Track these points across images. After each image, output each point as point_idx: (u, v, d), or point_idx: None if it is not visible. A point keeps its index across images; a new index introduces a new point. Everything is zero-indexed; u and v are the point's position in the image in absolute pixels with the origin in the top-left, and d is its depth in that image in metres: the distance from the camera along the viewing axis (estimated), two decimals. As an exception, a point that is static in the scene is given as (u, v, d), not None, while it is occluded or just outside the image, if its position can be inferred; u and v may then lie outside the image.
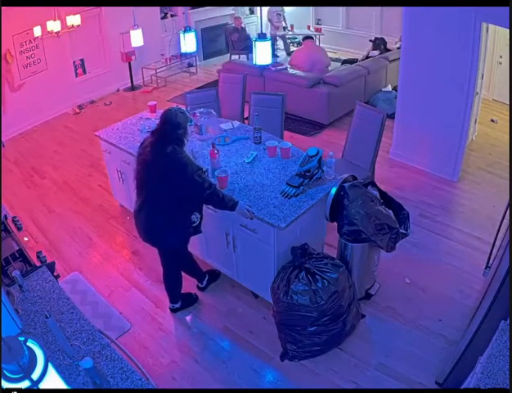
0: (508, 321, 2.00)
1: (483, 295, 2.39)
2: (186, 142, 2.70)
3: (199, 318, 3.28)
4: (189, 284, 3.38)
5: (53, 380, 1.19)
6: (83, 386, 1.78)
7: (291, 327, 2.79)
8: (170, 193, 2.63)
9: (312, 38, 7.50)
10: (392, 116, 5.10)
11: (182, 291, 3.27)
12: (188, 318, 3.31)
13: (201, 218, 2.92)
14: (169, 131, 2.62)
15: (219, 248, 3.30)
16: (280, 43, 9.23)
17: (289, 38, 9.34)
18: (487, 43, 4.87)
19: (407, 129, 4.91)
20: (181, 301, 3.29)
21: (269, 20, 9.07)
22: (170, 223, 2.75)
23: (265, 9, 9.48)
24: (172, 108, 2.75)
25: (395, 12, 7.65)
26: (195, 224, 2.86)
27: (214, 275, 3.52)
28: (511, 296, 1.94)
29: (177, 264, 3.13)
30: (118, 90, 7.82)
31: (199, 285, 3.44)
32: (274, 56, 9.23)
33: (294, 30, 9.27)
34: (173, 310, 3.29)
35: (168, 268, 3.12)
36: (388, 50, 7.56)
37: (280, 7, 8.87)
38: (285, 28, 9.10)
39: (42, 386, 1.14)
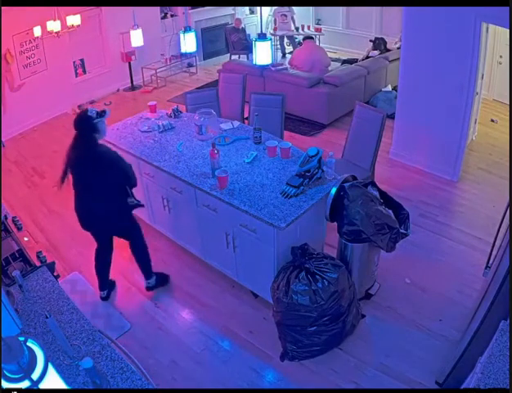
0: (508, 321, 2.00)
1: (483, 295, 2.39)
2: (99, 137, 2.99)
3: (199, 318, 3.28)
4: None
5: (53, 380, 1.19)
6: (83, 386, 1.78)
7: (291, 327, 2.79)
8: (102, 184, 2.96)
9: (312, 38, 7.50)
10: (392, 116, 5.10)
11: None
12: (188, 317, 3.31)
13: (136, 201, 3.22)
14: (80, 134, 2.99)
15: (219, 248, 3.30)
16: (279, 43, 9.21)
17: (287, 41, 9.34)
18: (487, 43, 4.87)
19: (407, 129, 4.91)
20: (156, 279, 3.45)
21: (275, 20, 9.08)
22: (110, 211, 3.05)
23: (265, 9, 9.50)
24: (78, 114, 3.10)
25: (395, 12, 7.65)
26: (132, 203, 3.17)
27: (163, 279, 3.54)
28: (511, 296, 1.94)
29: (135, 235, 3.30)
30: (118, 90, 7.82)
31: (146, 284, 3.46)
32: (283, 55, 9.27)
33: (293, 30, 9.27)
34: (149, 288, 3.44)
35: (131, 241, 3.32)
36: (388, 50, 7.56)
37: (287, 8, 8.86)
38: (297, 28, 9.09)
39: (42, 386, 1.14)
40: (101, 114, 2.99)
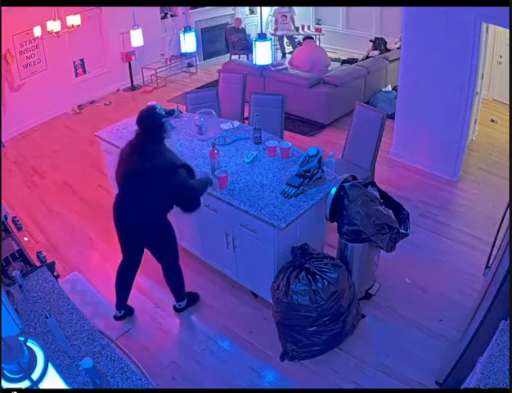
0: (508, 321, 2.00)
1: (483, 295, 2.39)
2: (166, 137, 2.78)
3: (199, 318, 3.28)
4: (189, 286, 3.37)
5: (53, 380, 1.19)
6: (83, 386, 1.78)
7: (291, 327, 2.79)
8: (152, 193, 2.70)
9: (312, 38, 7.50)
10: (392, 116, 5.10)
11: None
12: (188, 318, 3.31)
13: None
14: (146, 133, 2.70)
15: (219, 248, 3.30)
16: (278, 43, 9.22)
17: (287, 41, 9.34)
18: (487, 43, 4.87)
19: (407, 129, 4.91)
20: (187, 298, 3.28)
21: (275, 20, 9.08)
22: (149, 219, 2.81)
23: (265, 9, 9.49)
24: (144, 110, 2.77)
25: (395, 12, 7.65)
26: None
27: (193, 299, 3.37)
28: (511, 296, 1.94)
29: (172, 257, 3.09)
30: (118, 90, 7.82)
31: (177, 305, 3.30)
32: (283, 55, 9.27)
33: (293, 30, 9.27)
34: (179, 310, 3.28)
35: (165, 263, 3.11)
36: (388, 50, 7.56)
37: (287, 9, 8.86)
38: (297, 28, 9.09)
39: (42, 386, 1.14)
40: (170, 112, 2.78)
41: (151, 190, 2.67)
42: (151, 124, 2.68)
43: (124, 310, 3.21)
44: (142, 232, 2.86)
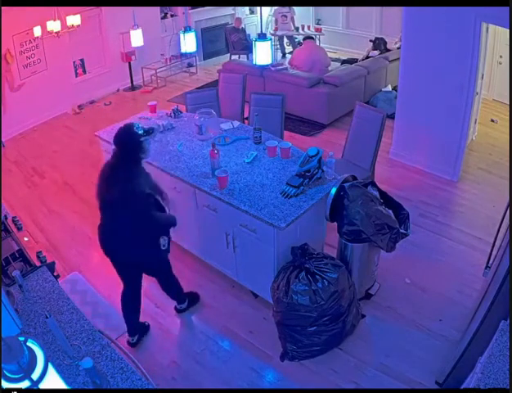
0: (508, 321, 2.00)
1: (483, 295, 2.39)
2: (144, 157, 2.66)
3: (199, 318, 3.28)
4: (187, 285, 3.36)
5: (53, 380, 1.19)
6: (83, 386, 1.78)
7: (291, 327, 2.79)
8: (128, 219, 2.57)
9: (312, 38, 7.50)
10: (392, 116, 5.10)
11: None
12: (188, 318, 3.31)
13: (169, 240, 2.85)
14: (123, 154, 2.58)
15: (219, 248, 3.30)
16: (278, 43, 9.22)
17: (287, 41, 9.35)
18: (487, 43, 4.87)
19: (407, 129, 4.91)
20: (188, 299, 3.28)
21: (275, 20, 9.09)
22: (136, 245, 2.65)
23: (265, 9, 9.49)
24: (122, 128, 2.64)
25: (395, 12, 7.65)
26: (164, 248, 2.78)
27: (194, 299, 3.34)
28: (511, 296, 1.94)
29: (165, 272, 3.02)
30: (118, 90, 7.82)
31: (178, 307, 3.28)
32: (283, 55, 9.27)
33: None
34: (180, 311, 3.28)
35: (160, 277, 3.08)
36: (388, 50, 7.56)
37: (287, 9, 8.86)
38: (297, 28, 9.10)
39: (42, 386, 1.14)
40: (149, 131, 2.64)
41: (124, 217, 2.57)
42: (128, 144, 2.56)
43: (138, 333, 3.05)
44: (131, 261, 2.77)
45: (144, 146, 2.60)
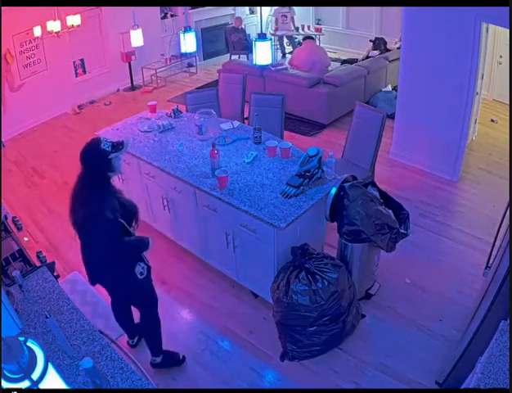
0: (508, 321, 2.00)
1: (483, 295, 2.39)
2: (113, 175, 2.44)
3: (199, 318, 3.28)
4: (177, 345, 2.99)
5: (53, 380, 1.19)
6: (83, 386, 1.78)
7: (291, 327, 2.79)
8: (93, 245, 2.39)
9: (312, 38, 7.50)
10: (392, 116, 5.10)
11: (172, 349, 2.91)
12: (188, 317, 3.31)
13: (148, 268, 2.59)
14: (88, 172, 2.36)
15: (219, 248, 3.30)
16: (278, 43, 9.22)
17: (287, 41, 9.35)
18: (487, 43, 4.87)
19: (407, 129, 4.91)
20: (164, 357, 2.84)
21: (275, 20, 9.09)
22: (110, 272, 2.47)
23: (265, 9, 9.49)
24: (87, 144, 2.38)
25: (395, 12, 7.65)
26: (142, 276, 2.52)
27: (174, 360, 2.90)
28: (511, 296, 1.94)
29: (146, 303, 2.72)
30: (118, 90, 7.82)
31: (151, 360, 2.85)
32: (283, 55, 9.27)
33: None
34: (154, 365, 2.84)
35: (141, 309, 2.78)
36: (388, 50, 7.56)
37: (287, 9, 8.86)
38: (297, 28, 9.10)
39: (42, 386, 1.14)
40: (118, 147, 2.35)
41: (90, 243, 2.39)
42: (94, 163, 2.32)
43: (137, 335, 3.02)
44: (107, 287, 2.64)
45: (112, 163, 2.34)
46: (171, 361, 2.88)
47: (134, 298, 2.69)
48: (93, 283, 2.62)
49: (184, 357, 2.92)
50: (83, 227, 2.35)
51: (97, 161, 2.32)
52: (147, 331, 2.82)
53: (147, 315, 2.75)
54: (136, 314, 2.91)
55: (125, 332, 3.00)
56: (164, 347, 2.86)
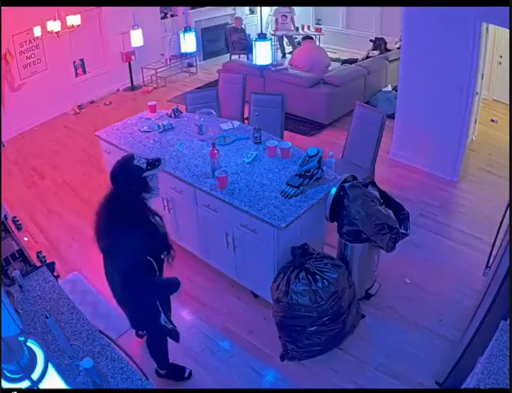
0: (508, 321, 2.00)
1: (483, 295, 2.39)
2: (149, 197, 2.18)
3: (199, 318, 3.28)
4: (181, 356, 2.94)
5: (53, 380, 1.19)
6: (83, 386, 1.78)
7: (291, 327, 2.79)
8: (118, 277, 2.18)
9: (311, 38, 7.51)
10: (392, 116, 5.10)
11: (177, 362, 2.85)
12: (188, 317, 3.31)
13: (173, 327, 2.49)
14: (119, 196, 2.08)
15: (219, 248, 3.30)
16: (278, 43, 9.22)
17: (287, 41, 9.35)
18: (487, 43, 4.87)
19: (407, 129, 4.91)
20: (168, 371, 2.80)
21: (276, 20, 9.09)
22: (131, 305, 2.38)
23: (265, 9, 9.49)
24: (118, 162, 2.13)
25: (395, 12, 7.64)
26: (166, 325, 2.43)
27: (179, 374, 2.82)
28: (511, 296, 1.94)
29: (152, 337, 2.68)
30: (118, 90, 7.82)
31: (156, 370, 2.81)
32: (283, 55, 9.28)
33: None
34: (158, 374, 2.81)
35: (148, 339, 2.73)
36: (388, 50, 7.57)
37: (287, 9, 8.87)
38: (297, 28, 9.10)
39: (42, 386, 1.14)
40: (154, 163, 2.09)
41: (115, 272, 2.21)
42: (127, 183, 2.06)
43: (168, 369, 2.87)
44: (126, 312, 2.53)
45: (149, 183, 2.09)
46: (176, 375, 2.81)
47: (148, 324, 2.55)
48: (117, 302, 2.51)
49: (191, 372, 2.82)
50: (113, 253, 2.15)
51: (130, 180, 2.05)
52: (152, 347, 2.72)
53: (156, 335, 2.65)
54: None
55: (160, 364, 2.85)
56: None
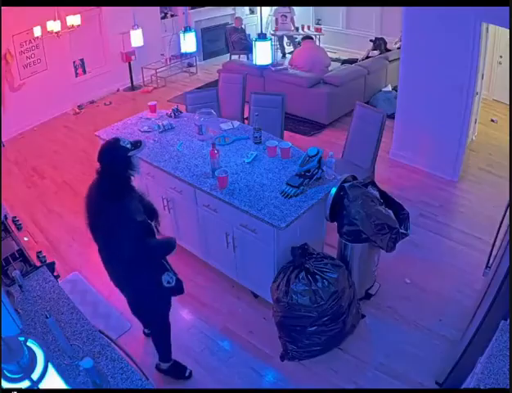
0: (508, 321, 2.00)
1: (483, 295, 2.39)
2: (133, 174, 2.37)
3: (199, 318, 3.28)
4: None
5: (53, 380, 1.19)
6: (83, 386, 1.78)
7: (291, 327, 2.79)
8: (120, 252, 2.29)
9: (311, 38, 7.50)
10: (392, 116, 5.10)
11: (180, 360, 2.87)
12: (188, 317, 3.31)
13: (177, 278, 2.58)
14: (109, 172, 2.27)
15: (219, 248, 3.30)
16: (278, 43, 9.22)
17: (287, 41, 9.35)
18: (487, 43, 4.87)
19: (407, 129, 4.91)
20: (170, 366, 2.83)
21: (276, 20, 9.09)
22: (134, 285, 2.46)
23: (265, 9, 9.49)
24: (106, 143, 2.35)
25: (395, 12, 7.64)
26: (169, 285, 2.51)
27: (180, 372, 2.84)
28: (511, 296, 1.94)
29: (156, 322, 2.74)
30: (118, 90, 7.82)
31: (158, 364, 2.85)
32: (283, 55, 9.28)
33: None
34: (159, 369, 2.85)
35: (152, 327, 2.82)
36: (388, 50, 7.56)
37: (287, 9, 8.87)
38: (297, 28, 9.10)
39: (42, 386, 1.14)
40: (137, 144, 2.33)
41: (116, 249, 2.31)
42: (115, 162, 2.26)
43: (170, 365, 2.89)
44: (128, 292, 2.61)
45: (133, 161, 2.31)
46: (177, 373, 2.83)
47: (150, 304, 2.59)
48: (115, 285, 2.61)
49: (191, 372, 2.84)
50: (110, 228, 2.26)
51: (118, 159, 2.27)
52: (157, 337, 2.79)
53: (159, 322, 2.72)
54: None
55: (140, 321, 2.94)
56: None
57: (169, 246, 2.52)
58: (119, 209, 2.25)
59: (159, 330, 2.76)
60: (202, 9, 8.66)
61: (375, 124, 3.78)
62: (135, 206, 2.35)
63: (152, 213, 2.62)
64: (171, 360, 2.83)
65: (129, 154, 2.28)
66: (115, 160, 2.27)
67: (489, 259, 2.57)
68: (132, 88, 7.85)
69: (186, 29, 4.18)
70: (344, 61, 8.04)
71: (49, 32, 6.17)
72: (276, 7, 9.06)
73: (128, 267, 2.36)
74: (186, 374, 2.82)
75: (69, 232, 4.26)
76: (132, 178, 2.39)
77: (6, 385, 1.10)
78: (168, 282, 2.50)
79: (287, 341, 2.85)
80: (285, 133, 4.66)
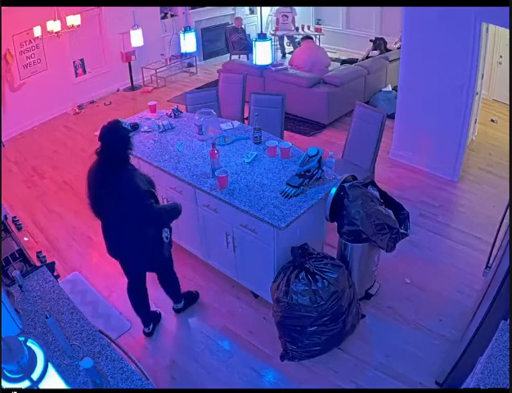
0: (508, 321, 2.00)
1: (483, 295, 2.39)
2: (130, 153, 2.61)
3: (199, 318, 3.28)
4: (186, 284, 3.36)
5: (53, 380, 1.19)
6: (83, 386, 1.78)
7: (291, 327, 2.79)
8: (126, 219, 2.54)
9: (311, 38, 7.50)
10: (392, 116, 5.10)
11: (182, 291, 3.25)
12: (188, 317, 3.31)
13: (170, 231, 2.85)
14: (108, 153, 2.49)
15: (219, 248, 3.30)
16: (278, 43, 9.22)
17: (287, 41, 9.35)
18: (487, 43, 4.87)
19: (407, 129, 4.91)
20: (184, 300, 3.27)
21: (276, 20, 9.09)
22: (141, 245, 2.67)
23: (265, 9, 9.49)
24: (107, 125, 2.57)
25: (395, 12, 7.65)
26: (168, 239, 2.81)
27: (192, 298, 3.35)
28: (511, 296, 1.94)
29: (167, 268, 3.02)
30: (118, 90, 7.82)
31: (175, 307, 3.29)
32: (283, 55, 9.27)
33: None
34: (177, 311, 3.28)
35: (161, 272, 3.05)
36: (388, 50, 7.56)
37: (289, 9, 8.87)
38: (297, 28, 9.10)
39: (42, 386, 1.14)
40: (135, 126, 2.67)
41: (127, 221, 2.54)
42: (118, 142, 2.49)
43: (152, 323, 3.14)
44: (141, 266, 2.86)
45: (132, 141, 2.57)
46: (190, 301, 3.31)
47: (158, 264, 2.91)
48: (114, 256, 2.81)
49: (197, 292, 3.39)
50: (120, 194, 2.47)
51: (119, 139, 2.49)
52: (168, 285, 3.13)
53: (167, 274, 3.06)
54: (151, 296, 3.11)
55: (141, 318, 3.08)
56: (165, 345, 2.87)
57: (175, 210, 2.78)
58: (127, 175, 2.51)
59: (169, 275, 3.07)
60: (202, 9, 8.66)
61: (375, 124, 3.78)
62: (139, 176, 2.62)
63: (151, 184, 2.82)
64: (182, 298, 3.24)
65: (129, 135, 2.52)
66: (117, 140, 2.49)
67: (489, 259, 2.57)
68: (132, 87, 7.85)
69: (186, 29, 4.18)
70: (344, 61, 8.04)
71: (49, 32, 6.18)
72: (277, 7, 9.06)
73: (137, 228, 2.57)
74: (195, 294, 3.36)
75: (69, 232, 4.26)
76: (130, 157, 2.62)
77: (6, 385, 1.10)
78: (167, 238, 2.79)
79: (287, 340, 2.85)
80: (285, 133, 4.66)
